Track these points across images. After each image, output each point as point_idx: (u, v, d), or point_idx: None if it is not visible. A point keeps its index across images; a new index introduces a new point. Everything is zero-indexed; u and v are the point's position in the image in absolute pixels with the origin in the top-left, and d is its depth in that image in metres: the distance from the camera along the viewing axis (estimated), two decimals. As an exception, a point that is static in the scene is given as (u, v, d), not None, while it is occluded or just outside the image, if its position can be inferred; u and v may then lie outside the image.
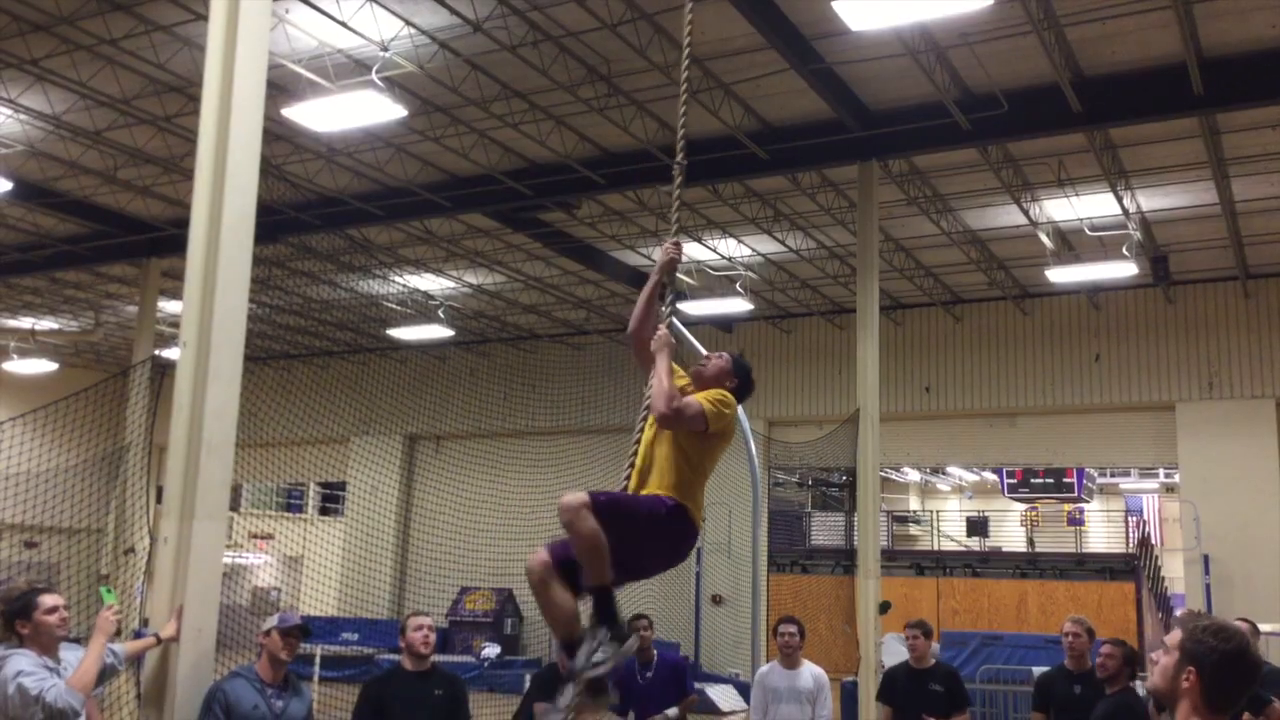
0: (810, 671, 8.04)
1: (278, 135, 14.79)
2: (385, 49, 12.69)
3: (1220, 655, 2.77)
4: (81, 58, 13.41)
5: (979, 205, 17.32)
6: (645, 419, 4.31)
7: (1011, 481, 31.09)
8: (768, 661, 8.54)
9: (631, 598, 20.31)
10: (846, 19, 10.77)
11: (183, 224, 17.38)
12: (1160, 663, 2.90)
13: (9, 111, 14.82)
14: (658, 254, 4.49)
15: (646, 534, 4.08)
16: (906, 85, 13.46)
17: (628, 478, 4.27)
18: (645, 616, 8.54)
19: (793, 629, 8.07)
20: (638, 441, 4.29)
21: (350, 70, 13.18)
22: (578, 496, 3.91)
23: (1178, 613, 21.19)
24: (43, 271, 21.84)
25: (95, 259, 20.74)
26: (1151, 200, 16.76)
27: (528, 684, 15.61)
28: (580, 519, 3.88)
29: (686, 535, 4.20)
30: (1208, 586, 19.20)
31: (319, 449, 26.32)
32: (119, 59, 13.46)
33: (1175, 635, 2.89)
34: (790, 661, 8.08)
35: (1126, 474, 32.11)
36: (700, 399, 4.26)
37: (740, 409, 4.87)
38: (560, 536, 4.10)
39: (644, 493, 4.21)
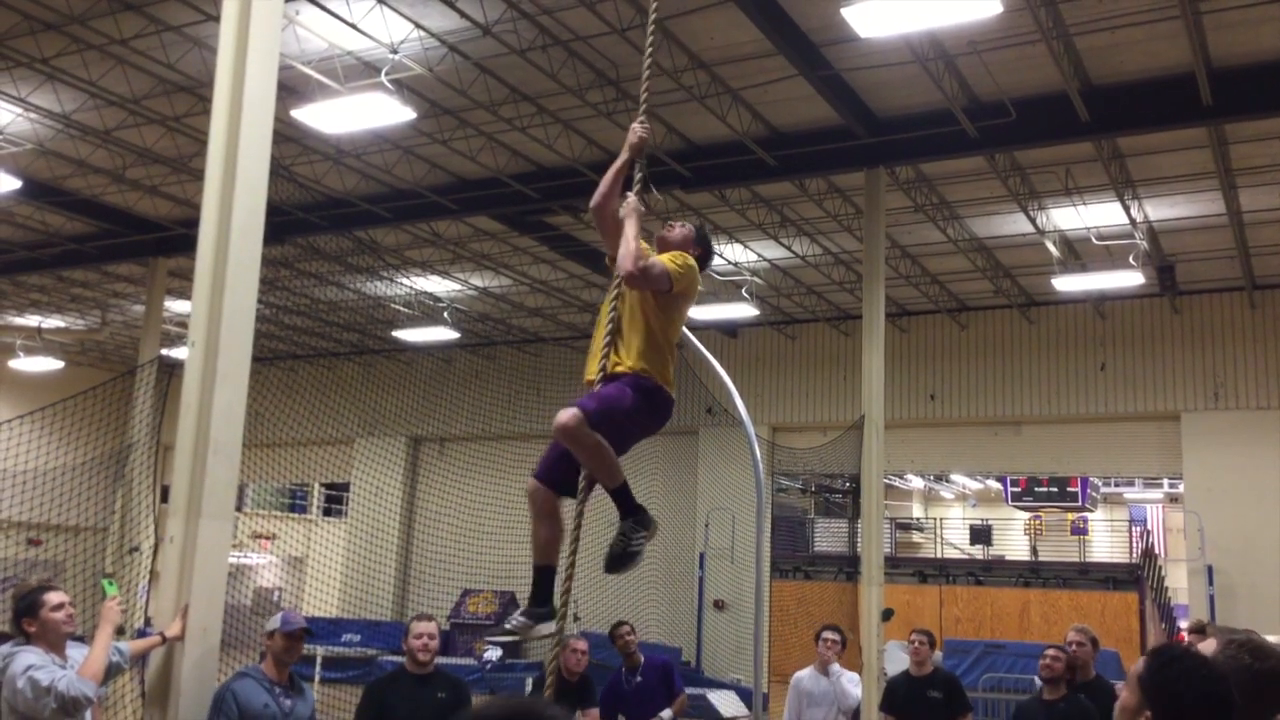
0: (846, 676, 8.29)
1: (286, 136, 14.82)
2: (395, 51, 12.72)
3: (1254, 674, 2.70)
4: (92, 57, 13.45)
5: (986, 213, 17.32)
6: (616, 293, 4.42)
7: (1015, 490, 31.05)
8: (804, 668, 8.69)
9: (633, 602, 20.32)
10: (855, 26, 10.78)
11: (190, 224, 17.47)
12: None
13: (19, 110, 14.87)
14: (628, 134, 4.59)
15: (633, 421, 4.29)
16: (914, 93, 13.46)
17: (605, 353, 4.37)
18: (626, 623, 8.61)
19: (835, 636, 8.35)
20: (614, 315, 4.39)
21: (359, 72, 13.21)
22: (572, 414, 4.08)
23: (1183, 623, 21.16)
24: (50, 270, 21.90)
25: (103, 258, 20.79)
26: (1158, 210, 16.75)
27: (529, 687, 15.63)
28: (581, 435, 4.08)
29: (664, 407, 4.40)
30: (1211, 597, 19.16)
31: (323, 450, 26.35)
32: (129, 59, 13.51)
33: (1210, 645, 2.82)
34: (825, 667, 8.26)
35: (1131, 484, 32.06)
36: (663, 259, 4.40)
37: (744, 413, 4.93)
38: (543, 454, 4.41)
39: (619, 370, 4.34)
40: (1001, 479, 31.20)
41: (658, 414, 4.38)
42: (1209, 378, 20.17)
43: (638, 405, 4.27)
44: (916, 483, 35.87)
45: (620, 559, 4.29)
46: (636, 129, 4.54)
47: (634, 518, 4.33)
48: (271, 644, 5.59)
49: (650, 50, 4.89)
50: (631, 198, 4.47)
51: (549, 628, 4.33)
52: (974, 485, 36.70)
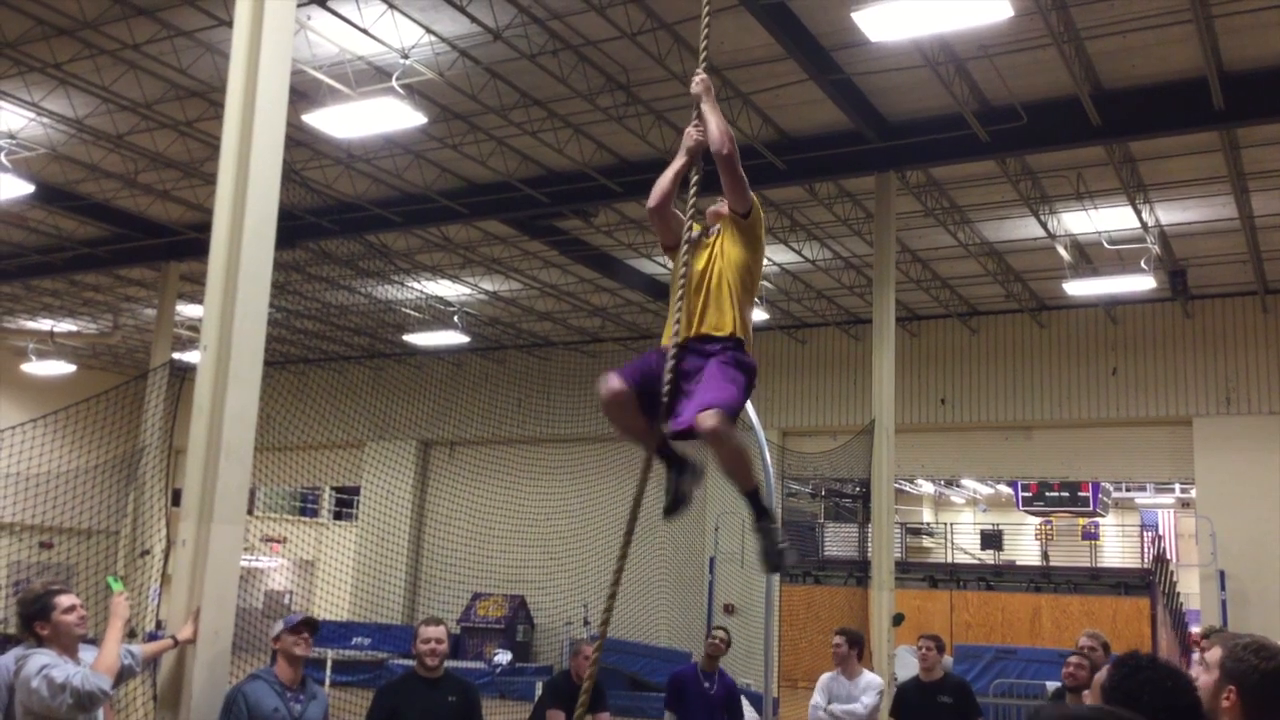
0: (865, 680, 8.33)
1: (298, 141, 14.86)
2: (406, 56, 12.75)
3: (1262, 674, 2.70)
4: (104, 62, 13.52)
5: (996, 217, 17.29)
6: (687, 253, 4.29)
7: (1026, 495, 30.96)
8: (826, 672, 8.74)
9: (644, 606, 20.31)
10: (866, 30, 10.78)
11: (202, 228, 17.47)
12: (1199, 680, 2.82)
13: (32, 115, 14.95)
14: (684, 138, 4.48)
15: (745, 397, 4.19)
16: (925, 97, 13.45)
17: (678, 319, 4.19)
18: (724, 628, 8.76)
19: (838, 639, 8.39)
20: (684, 277, 4.24)
21: (371, 77, 13.25)
22: (714, 416, 3.88)
23: (1195, 628, 21.05)
24: (63, 274, 22.00)
25: (115, 262, 20.88)
26: (1170, 214, 16.70)
27: (539, 691, 15.62)
28: (728, 436, 3.95)
29: (755, 374, 4.33)
30: (1223, 603, 19.07)
31: (334, 453, 26.40)
32: (141, 64, 13.57)
33: (1215, 653, 2.82)
34: (847, 670, 8.33)
35: (1142, 488, 31.94)
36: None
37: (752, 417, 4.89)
38: (632, 365, 4.22)
39: (718, 333, 4.19)
40: (1012, 484, 31.09)
41: (753, 385, 4.29)
42: (1221, 382, 20.09)
43: (747, 384, 4.18)
44: (927, 487, 35.78)
45: (780, 557, 4.31)
46: (692, 133, 4.44)
47: (769, 516, 4.31)
48: (280, 645, 5.61)
49: (704, 47, 4.67)
50: (701, 76, 4.41)
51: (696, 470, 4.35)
52: (985, 490, 36.60)
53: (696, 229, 4.40)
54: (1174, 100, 12.87)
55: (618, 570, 4.24)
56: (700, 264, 4.29)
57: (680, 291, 4.19)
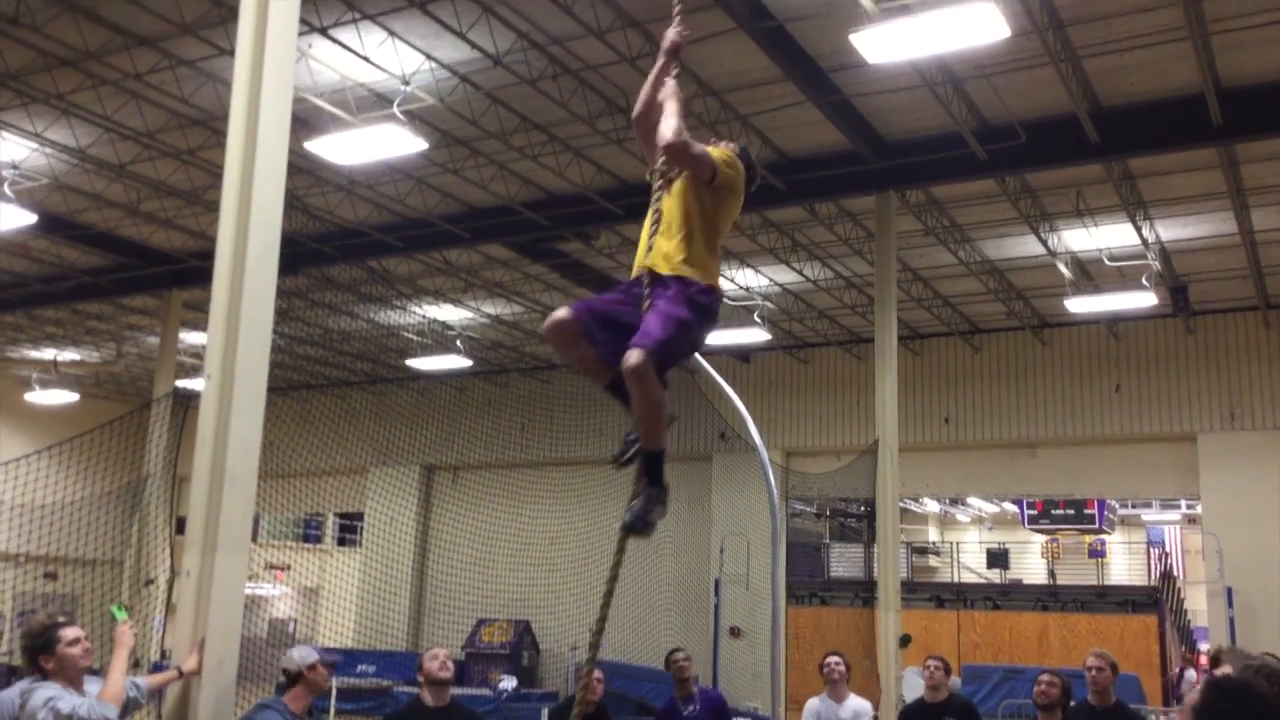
0: (855, 705, 8.26)
1: (300, 168, 14.92)
2: (406, 83, 12.81)
3: (1271, 700, 2.67)
4: (107, 92, 13.59)
5: (997, 235, 17.31)
6: (660, 184, 4.33)
7: (1032, 513, 30.89)
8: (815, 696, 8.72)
9: (648, 629, 20.22)
10: (863, 51, 10.82)
11: (204, 256, 17.51)
12: None
13: (35, 145, 15.02)
14: (663, 38, 4.55)
15: (689, 338, 4.13)
16: (924, 116, 13.50)
17: (650, 245, 4.25)
18: (681, 649, 8.70)
19: (836, 659, 8.44)
20: (657, 210, 4.28)
21: (372, 104, 13.31)
22: (639, 356, 3.86)
23: (1203, 646, 20.95)
24: (65, 303, 22.04)
25: (117, 290, 20.92)
26: (1170, 230, 16.72)
27: (545, 718, 15.53)
28: (649, 379, 3.91)
29: (714, 311, 4.25)
30: (1231, 620, 18.98)
31: (337, 479, 26.39)
32: (144, 93, 13.64)
33: (1226, 671, 2.79)
34: (837, 694, 8.32)
35: (1148, 505, 31.84)
36: (708, 148, 4.31)
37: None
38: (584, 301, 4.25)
39: (666, 271, 4.17)
40: (1018, 502, 31.02)
41: (709, 321, 4.23)
42: (1224, 398, 20.05)
43: (693, 321, 4.11)
44: (932, 506, 35.68)
45: (643, 524, 4.14)
46: (671, 33, 4.51)
47: (661, 488, 4.17)
48: (315, 676, 5.61)
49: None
50: (671, 81, 4.44)
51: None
52: (990, 509, 36.51)
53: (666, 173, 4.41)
54: (1172, 117, 12.91)
55: (608, 592, 4.23)
56: (668, 198, 4.32)
57: (650, 223, 4.27)
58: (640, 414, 4.02)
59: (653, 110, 4.46)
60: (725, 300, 20.38)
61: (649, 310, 4.09)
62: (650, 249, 4.24)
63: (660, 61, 4.53)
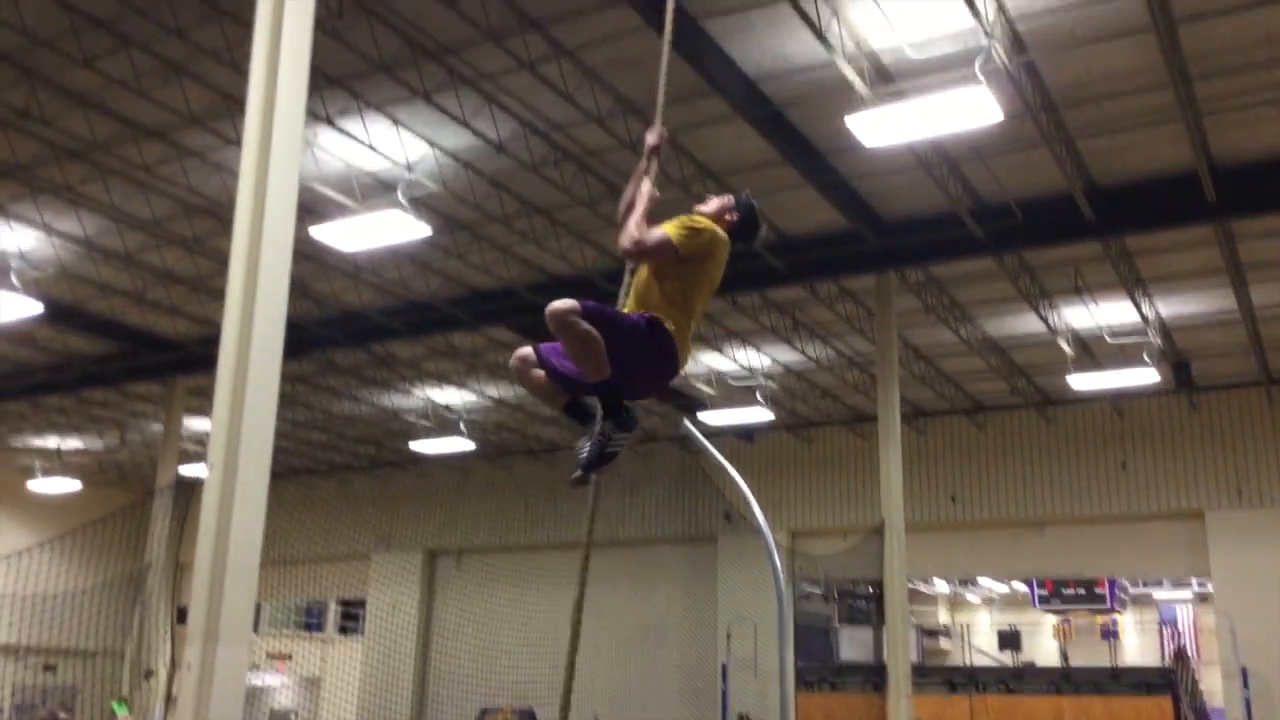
0: None
1: (305, 254, 15.04)
2: (410, 170, 13.00)
3: None
4: (115, 183, 13.78)
5: (997, 313, 17.38)
6: (631, 267, 4.54)
7: (1042, 593, 30.47)
8: None
9: (657, 716, 19.87)
10: (859, 135, 10.99)
11: (209, 342, 17.54)
12: None
13: (42, 235, 15.18)
14: (645, 140, 4.73)
15: (629, 344, 4.20)
16: (921, 197, 13.65)
17: (626, 286, 4.48)
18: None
19: None
20: (627, 286, 4.47)
21: (376, 190, 13.49)
22: (566, 302, 4.06)
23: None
24: (70, 391, 22.07)
25: (122, 378, 20.97)
26: (1170, 307, 16.78)
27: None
28: (571, 321, 4.04)
29: (666, 350, 4.30)
30: (1247, 701, 18.63)
31: (339, 566, 26.17)
32: (151, 183, 13.83)
33: None
34: None
35: (1159, 583, 31.45)
36: (666, 226, 4.36)
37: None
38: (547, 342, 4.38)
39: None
40: (1028, 582, 30.64)
41: (663, 354, 4.29)
42: (1231, 475, 19.93)
43: (636, 329, 4.22)
44: (942, 587, 35.25)
45: (597, 459, 4.22)
46: (650, 136, 4.66)
47: (616, 418, 4.25)
48: None
49: (667, 54, 4.96)
50: (646, 183, 4.56)
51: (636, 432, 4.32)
52: (1000, 589, 36.05)
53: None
54: (1167, 195, 13.03)
55: (570, 653, 4.23)
56: (638, 275, 4.50)
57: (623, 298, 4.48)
58: (573, 352, 4.16)
59: (632, 211, 4.58)
60: (728, 380, 20.46)
61: None
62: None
63: (640, 165, 4.67)
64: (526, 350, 4.48)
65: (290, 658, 28.78)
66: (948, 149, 12.49)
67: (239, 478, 5.22)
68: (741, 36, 10.70)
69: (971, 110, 10.37)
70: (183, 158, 13.13)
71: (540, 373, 4.44)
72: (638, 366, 4.27)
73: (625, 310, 4.41)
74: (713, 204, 4.62)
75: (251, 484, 5.25)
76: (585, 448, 4.26)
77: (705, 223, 4.43)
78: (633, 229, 4.30)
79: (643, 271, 4.45)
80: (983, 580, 33.52)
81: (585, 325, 4.05)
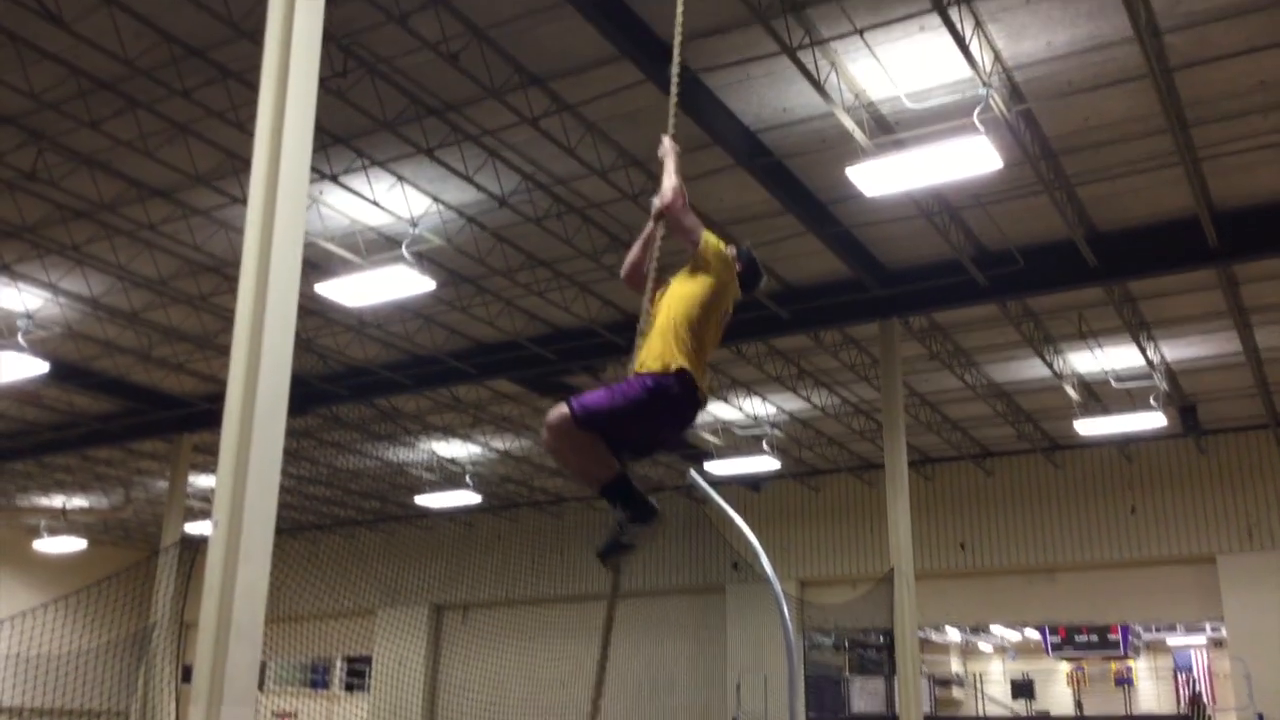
0: None
1: (310, 310, 15.12)
2: (415, 225, 13.09)
3: None
4: (121, 242, 13.88)
5: (1002, 359, 17.38)
6: (654, 293, 4.52)
7: (1055, 640, 30.15)
8: None
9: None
10: (860, 185, 11.06)
11: (214, 399, 17.56)
12: None
13: (49, 295, 15.26)
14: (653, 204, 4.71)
15: (642, 419, 4.23)
16: (923, 244, 13.70)
17: (637, 347, 4.44)
18: None
19: None
20: (648, 312, 4.47)
21: (381, 246, 13.58)
22: (558, 413, 4.10)
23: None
24: (76, 450, 22.06)
25: (128, 436, 20.97)
26: (1175, 350, 16.77)
27: None
28: (561, 437, 4.10)
29: (676, 401, 4.27)
30: (1267, 747, 18.36)
31: (344, 622, 25.98)
32: (157, 242, 13.93)
33: None
34: None
35: (1173, 628, 31.12)
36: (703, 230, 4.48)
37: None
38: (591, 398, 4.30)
39: (635, 368, 4.36)
40: (1040, 629, 30.33)
41: (675, 409, 4.28)
42: (1242, 518, 19.80)
43: (645, 404, 4.21)
44: (953, 636, 34.89)
45: (611, 549, 4.26)
46: (658, 201, 4.66)
47: (630, 512, 4.25)
48: None
49: (674, 115, 4.93)
50: (667, 140, 4.59)
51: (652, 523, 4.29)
52: (1012, 636, 35.68)
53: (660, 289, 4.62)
54: (1168, 240, 13.07)
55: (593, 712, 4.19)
56: (657, 314, 4.52)
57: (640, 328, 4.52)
58: (563, 466, 4.29)
59: (640, 267, 4.69)
60: (734, 429, 20.42)
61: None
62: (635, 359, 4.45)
63: (648, 229, 4.72)
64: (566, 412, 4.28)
65: (296, 716, 28.50)
66: (948, 197, 12.56)
67: (244, 534, 5.19)
68: (741, 90, 10.82)
69: (971, 159, 10.45)
70: (188, 216, 13.23)
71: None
72: (655, 428, 4.33)
73: (638, 360, 4.37)
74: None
75: (256, 540, 5.23)
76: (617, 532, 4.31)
77: (729, 255, 4.59)
78: (676, 189, 4.40)
79: (661, 306, 4.49)
80: (995, 628, 33.19)
81: (578, 439, 4.12)
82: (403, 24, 9.67)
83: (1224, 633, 21.33)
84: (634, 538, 4.27)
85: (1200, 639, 31.55)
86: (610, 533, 4.29)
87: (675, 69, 4.85)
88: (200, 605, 5.23)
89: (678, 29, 4.94)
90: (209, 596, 5.13)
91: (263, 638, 5.30)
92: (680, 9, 5.00)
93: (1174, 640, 32.68)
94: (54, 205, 13.05)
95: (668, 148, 4.63)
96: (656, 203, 4.65)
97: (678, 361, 4.26)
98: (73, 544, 26.51)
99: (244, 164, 11.17)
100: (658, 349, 4.33)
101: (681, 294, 4.44)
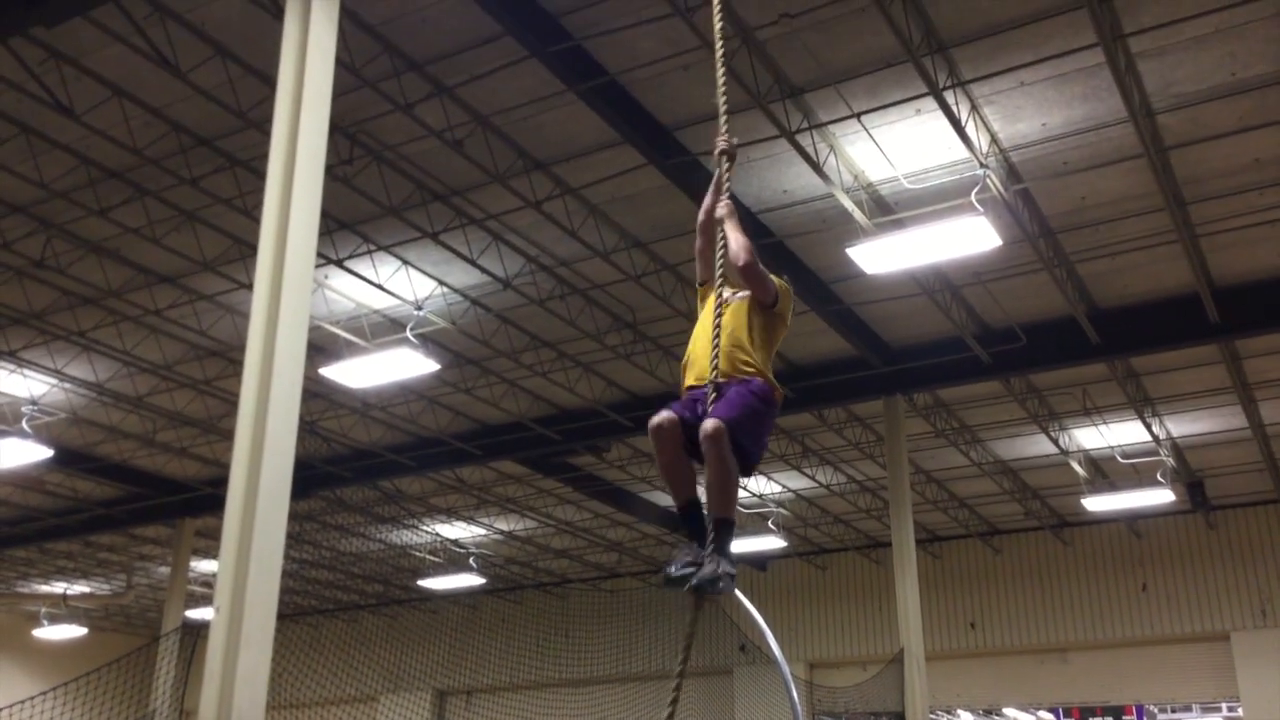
0: None
1: (314, 393, 15.16)
2: (419, 308, 13.18)
3: None
4: (127, 328, 13.96)
5: (1007, 435, 17.33)
6: (719, 310, 4.54)
7: (1069, 721, 29.56)
8: None
9: None
10: (860, 264, 11.15)
11: (217, 483, 17.54)
12: None
13: (54, 381, 15.31)
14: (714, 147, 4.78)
15: (760, 426, 4.42)
16: (925, 322, 13.76)
17: (715, 364, 4.44)
18: None
19: None
20: (717, 327, 4.48)
21: (385, 328, 13.65)
22: (715, 425, 4.15)
23: None
24: (78, 535, 21.94)
25: (130, 521, 20.87)
26: (1181, 426, 16.73)
27: None
28: (724, 449, 4.16)
29: (777, 406, 4.56)
30: (1290, 832, 17.91)
31: (346, 708, 25.56)
32: (163, 327, 14.01)
33: None
34: None
35: (1188, 708, 30.53)
36: (772, 276, 4.64)
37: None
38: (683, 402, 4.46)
39: (737, 377, 4.45)
40: (1053, 710, 29.77)
41: (774, 414, 4.54)
42: (1254, 594, 19.57)
43: (762, 410, 4.41)
44: (966, 718, 34.26)
45: (713, 586, 4.24)
46: (720, 142, 4.73)
47: (729, 559, 4.29)
48: None
49: (722, 62, 4.97)
50: (726, 200, 4.65)
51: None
52: (1026, 718, 35.03)
53: (728, 291, 4.69)
54: (1169, 316, 13.10)
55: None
56: (728, 315, 4.59)
57: (714, 337, 4.49)
58: (714, 480, 4.23)
59: (711, 219, 4.75)
60: (740, 510, 20.30)
61: (726, 396, 4.37)
62: (715, 363, 4.44)
63: (717, 171, 4.80)
64: (669, 413, 4.38)
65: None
66: (949, 275, 12.65)
67: (245, 619, 5.16)
68: (741, 171, 10.95)
69: (970, 237, 10.55)
70: (194, 301, 13.33)
71: (682, 453, 4.41)
72: (763, 435, 4.50)
73: (724, 363, 4.46)
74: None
75: (258, 626, 5.19)
76: (697, 567, 4.26)
77: (788, 288, 4.74)
78: (748, 245, 4.50)
79: (736, 322, 4.56)
80: (1008, 710, 32.59)
81: (732, 459, 4.22)
82: (408, 112, 9.84)
83: (1240, 712, 20.93)
84: (728, 584, 4.27)
85: (1217, 719, 30.94)
86: (711, 571, 4.22)
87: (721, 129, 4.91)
88: (201, 692, 5.17)
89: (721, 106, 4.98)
90: (210, 683, 5.08)
91: (264, 727, 5.23)
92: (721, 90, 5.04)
93: (1191, 721, 32.05)
94: (61, 292, 13.17)
95: (728, 209, 4.70)
96: (731, 252, 4.73)
97: (775, 385, 4.52)
98: (73, 631, 26.23)
99: (250, 250, 11.31)
100: (762, 361, 4.50)
101: (763, 327, 4.60)
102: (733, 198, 4.70)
